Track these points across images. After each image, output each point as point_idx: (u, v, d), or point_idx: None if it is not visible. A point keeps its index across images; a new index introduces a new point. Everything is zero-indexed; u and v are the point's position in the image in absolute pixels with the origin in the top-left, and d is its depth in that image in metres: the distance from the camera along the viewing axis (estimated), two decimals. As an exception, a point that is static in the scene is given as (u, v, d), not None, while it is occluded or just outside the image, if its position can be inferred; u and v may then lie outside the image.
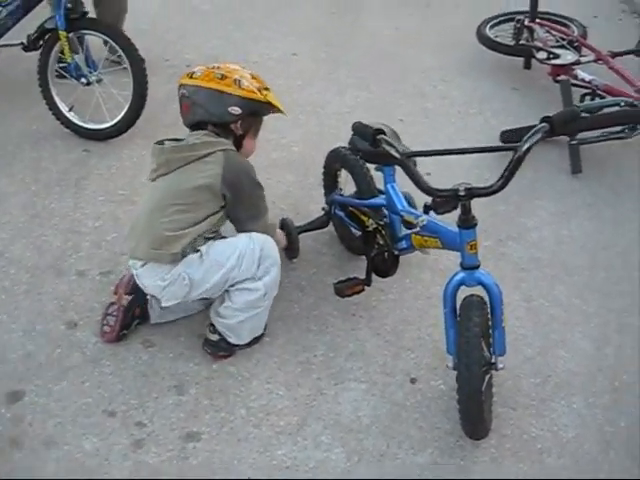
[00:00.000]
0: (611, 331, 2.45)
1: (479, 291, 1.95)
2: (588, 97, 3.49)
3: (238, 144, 2.26)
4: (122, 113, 3.09)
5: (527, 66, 4.10)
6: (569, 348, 2.37)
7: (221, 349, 2.21)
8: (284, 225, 2.57)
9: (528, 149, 1.74)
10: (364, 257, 2.40)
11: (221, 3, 4.64)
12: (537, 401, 2.17)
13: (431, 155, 1.86)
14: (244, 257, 2.13)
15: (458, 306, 1.95)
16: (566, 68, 3.68)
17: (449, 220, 2.02)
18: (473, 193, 1.79)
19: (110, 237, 2.65)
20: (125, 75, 3.10)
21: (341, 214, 2.51)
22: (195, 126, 2.25)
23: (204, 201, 2.11)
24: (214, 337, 2.21)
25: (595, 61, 3.74)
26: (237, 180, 2.14)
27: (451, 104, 3.76)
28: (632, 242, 2.87)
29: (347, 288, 2.28)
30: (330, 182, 2.67)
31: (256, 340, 2.25)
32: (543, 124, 1.77)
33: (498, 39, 4.06)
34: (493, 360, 1.96)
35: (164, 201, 2.10)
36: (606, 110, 3.29)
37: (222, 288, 2.15)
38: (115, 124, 3.11)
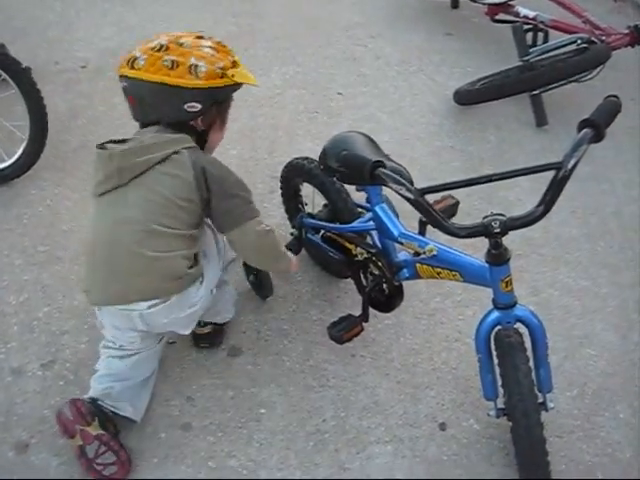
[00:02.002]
0: (631, 312, 2.22)
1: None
2: (530, 33, 3.18)
3: (201, 140, 1.84)
4: (21, 147, 2.54)
5: (455, 5, 3.75)
6: (595, 344, 2.13)
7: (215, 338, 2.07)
8: (247, 265, 2.18)
9: (574, 166, 1.41)
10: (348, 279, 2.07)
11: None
12: (581, 419, 1.93)
13: (449, 189, 1.51)
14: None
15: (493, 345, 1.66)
16: (505, 6, 3.35)
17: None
18: (509, 226, 1.44)
19: (42, 312, 2.17)
20: (15, 101, 2.53)
21: (315, 239, 2.12)
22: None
23: (186, 212, 1.71)
24: (206, 329, 2.04)
25: (532, -7, 3.42)
26: (214, 181, 1.74)
27: (387, 64, 3.36)
28: (620, 198, 2.64)
29: (345, 333, 1.92)
30: (291, 201, 2.27)
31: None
32: (585, 130, 1.43)
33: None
34: (542, 399, 1.69)
35: (142, 225, 1.67)
36: (561, 50, 3.01)
37: None
38: (14, 162, 2.56)
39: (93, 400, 1.78)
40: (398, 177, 1.44)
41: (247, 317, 2.17)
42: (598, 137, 1.43)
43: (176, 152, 1.71)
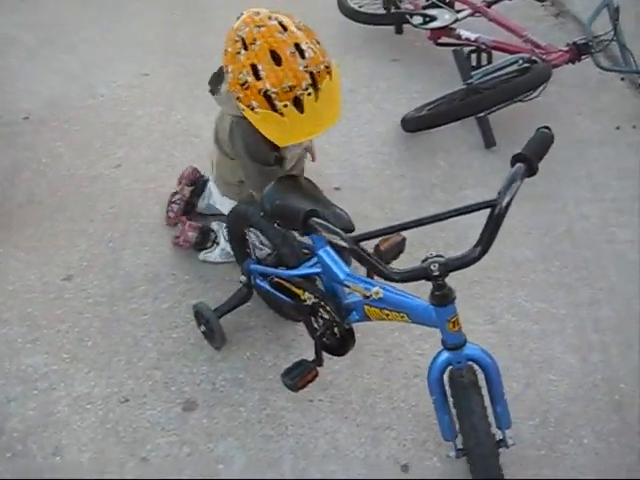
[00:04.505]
0: (589, 332, 2.21)
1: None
2: (474, 55, 3.19)
3: None
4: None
5: (399, 31, 3.75)
6: (555, 368, 2.11)
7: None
8: (197, 313, 2.13)
9: (509, 203, 1.38)
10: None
11: (45, 29, 3.90)
12: (545, 449, 1.90)
13: (384, 234, 1.48)
14: None
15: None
16: (446, 29, 3.37)
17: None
18: (449, 268, 1.41)
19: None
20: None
21: (264, 285, 2.08)
22: None
23: None
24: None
25: (472, 15, 3.44)
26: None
27: (335, 95, 3.35)
28: (571, 216, 2.63)
29: (299, 381, 1.86)
30: (239, 246, 2.23)
31: None
32: (518, 165, 1.41)
33: (363, 9, 3.67)
34: (501, 436, 1.66)
35: None
36: (504, 71, 3.03)
37: None
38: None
39: None
40: (331, 226, 1.40)
41: (201, 368, 2.11)
42: (531, 171, 1.42)
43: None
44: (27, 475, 1.84)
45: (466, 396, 1.56)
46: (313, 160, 2.58)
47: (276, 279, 2.01)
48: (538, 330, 2.22)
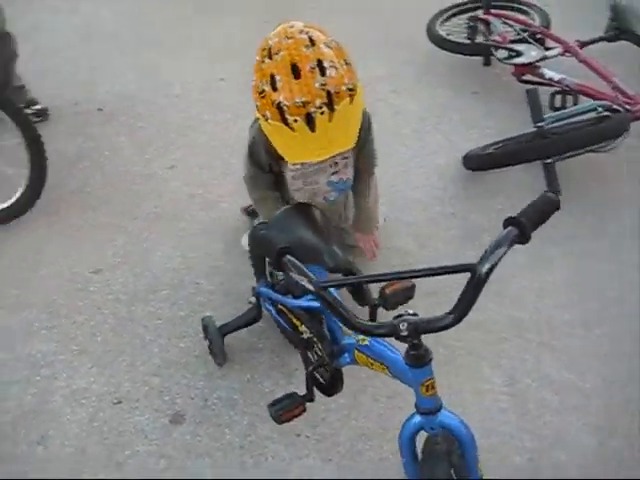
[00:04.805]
0: (615, 414, 2.01)
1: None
2: (559, 96, 3.01)
3: None
4: (17, 194, 2.59)
5: (487, 63, 3.61)
6: (568, 447, 1.92)
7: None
8: (204, 327, 2.11)
9: (489, 270, 1.26)
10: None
11: (136, 23, 4.06)
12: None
13: (356, 283, 1.40)
14: None
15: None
16: (531, 67, 3.20)
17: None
18: (419, 330, 1.31)
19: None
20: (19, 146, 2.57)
21: (270, 309, 2.03)
22: None
23: None
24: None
25: (562, 54, 3.26)
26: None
27: (405, 121, 3.27)
28: (625, 283, 2.42)
29: (285, 413, 1.79)
30: (258, 266, 2.19)
31: None
32: (509, 229, 1.28)
33: (451, 37, 3.56)
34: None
35: None
36: (580, 117, 2.84)
37: None
38: (8, 207, 2.61)
39: None
40: (302, 267, 1.33)
41: (198, 383, 2.09)
42: (523, 239, 1.28)
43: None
44: (9, 461, 1.88)
45: (432, 464, 1.45)
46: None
47: (279, 306, 1.96)
48: (558, 402, 2.04)
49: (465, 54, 3.54)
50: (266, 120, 1.79)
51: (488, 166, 2.84)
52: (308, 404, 1.80)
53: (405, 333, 1.30)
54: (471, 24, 3.39)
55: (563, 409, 2.02)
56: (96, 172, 2.91)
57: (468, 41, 3.46)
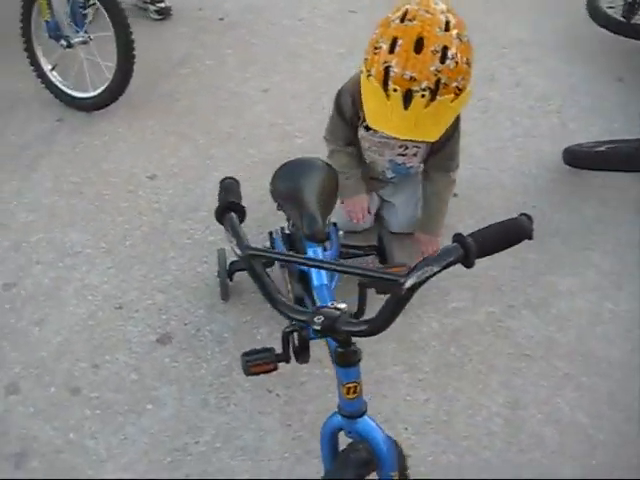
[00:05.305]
0: (615, 476, 1.76)
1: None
2: None
3: None
4: (104, 86, 2.65)
5: (646, 49, 3.15)
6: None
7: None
8: (218, 257, 2.08)
9: (413, 287, 1.08)
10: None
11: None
12: None
13: (285, 261, 1.27)
14: None
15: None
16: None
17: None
18: (332, 328, 1.17)
19: (34, 239, 2.29)
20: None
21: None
22: None
23: None
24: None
25: None
26: None
27: (524, 95, 2.96)
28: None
29: (255, 366, 1.73)
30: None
31: None
32: (455, 245, 1.09)
33: (610, 12, 3.12)
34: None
35: None
36: None
37: None
38: (96, 96, 2.69)
39: None
40: (237, 228, 1.23)
41: (198, 310, 2.08)
42: (467, 262, 1.09)
43: None
44: (5, 334, 2.01)
45: (341, 469, 1.34)
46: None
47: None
48: (556, 444, 1.81)
49: (618, 33, 3.10)
50: (368, 76, 1.74)
51: (589, 165, 2.51)
52: (294, 368, 1.75)
53: (317, 327, 1.17)
54: (629, 0, 2.94)
55: (559, 453, 1.80)
56: (192, 80, 2.92)
57: (623, 19, 3.01)
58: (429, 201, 2.21)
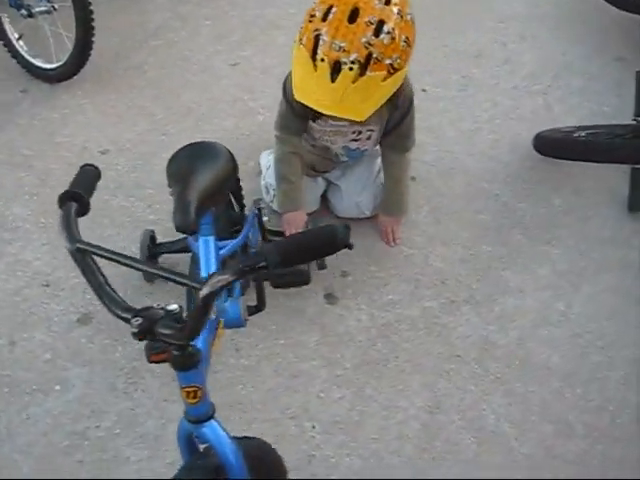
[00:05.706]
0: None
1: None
2: None
3: None
4: (65, 57, 2.60)
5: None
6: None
7: None
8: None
9: (208, 296, 0.99)
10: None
11: None
12: None
13: (112, 259, 1.18)
14: None
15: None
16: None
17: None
18: (149, 332, 1.08)
19: (-21, 210, 2.27)
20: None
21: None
22: None
23: None
24: None
25: None
26: None
27: (511, 73, 2.77)
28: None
29: (155, 354, 1.65)
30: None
31: None
32: (257, 252, 1.00)
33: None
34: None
35: None
36: None
37: None
38: (58, 67, 2.64)
39: None
40: (71, 223, 1.16)
41: (126, 291, 2.03)
42: (267, 272, 0.99)
43: None
44: None
45: (186, 473, 1.27)
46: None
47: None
48: (473, 453, 1.70)
49: (627, 10, 2.86)
50: (300, 45, 1.67)
51: (562, 154, 2.32)
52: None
53: (135, 330, 1.09)
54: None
55: (472, 464, 1.69)
56: (163, 52, 2.84)
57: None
58: (387, 182, 2.12)
